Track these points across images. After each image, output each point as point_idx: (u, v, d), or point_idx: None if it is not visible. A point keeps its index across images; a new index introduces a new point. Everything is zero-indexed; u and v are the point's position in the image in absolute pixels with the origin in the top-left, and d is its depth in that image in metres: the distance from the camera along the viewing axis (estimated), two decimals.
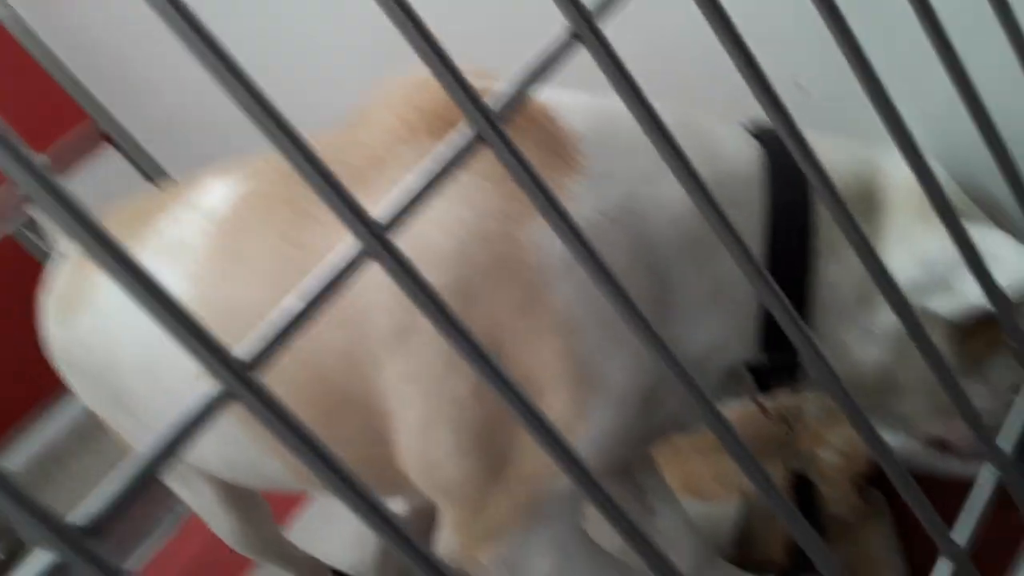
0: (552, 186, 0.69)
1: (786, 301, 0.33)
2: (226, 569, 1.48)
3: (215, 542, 1.22)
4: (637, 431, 0.74)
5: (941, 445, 0.85)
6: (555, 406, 0.68)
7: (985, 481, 0.44)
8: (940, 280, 0.72)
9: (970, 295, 0.70)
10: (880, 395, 0.79)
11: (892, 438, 0.90)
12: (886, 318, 0.73)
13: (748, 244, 0.33)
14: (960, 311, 0.71)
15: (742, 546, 1.11)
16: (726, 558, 1.07)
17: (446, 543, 0.75)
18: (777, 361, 0.78)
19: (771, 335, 0.76)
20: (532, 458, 0.69)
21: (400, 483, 0.77)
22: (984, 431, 0.42)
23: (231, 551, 1.22)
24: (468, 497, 0.73)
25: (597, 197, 0.70)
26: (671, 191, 0.68)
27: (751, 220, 0.73)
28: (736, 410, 1.22)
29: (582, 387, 0.69)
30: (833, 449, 1.10)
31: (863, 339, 0.75)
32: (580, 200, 0.69)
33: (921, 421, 0.84)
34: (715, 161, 0.72)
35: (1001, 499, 0.45)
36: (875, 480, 1.06)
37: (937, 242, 0.71)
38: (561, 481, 0.69)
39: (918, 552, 0.98)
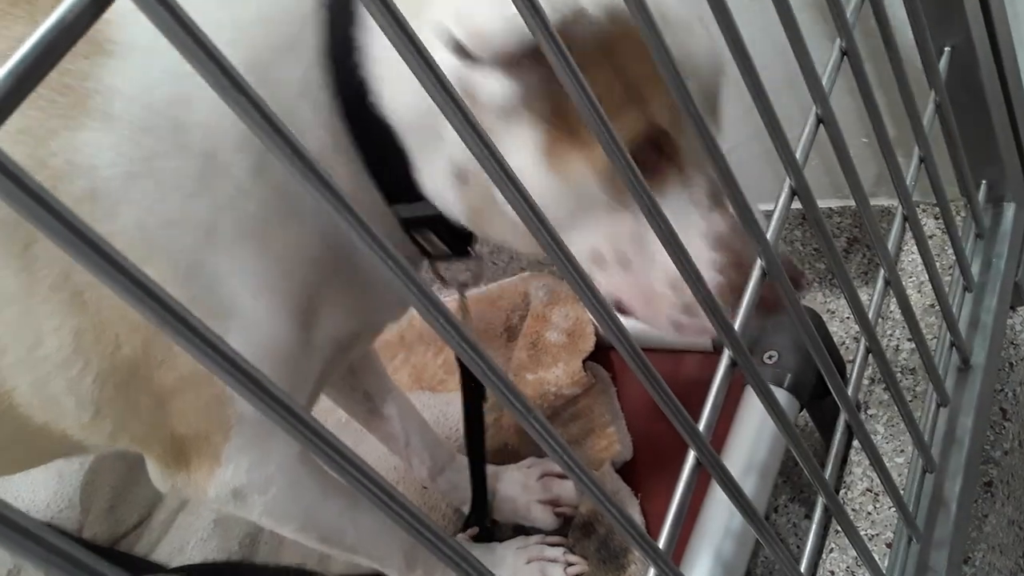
0: (75, 74, 0.55)
1: None
2: None
3: None
4: (301, 345, 0.65)
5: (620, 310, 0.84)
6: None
7: (724, 371, 0.44)
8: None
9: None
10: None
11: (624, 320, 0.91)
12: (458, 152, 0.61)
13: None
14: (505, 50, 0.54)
15: None
16: (460, 448, 1.07)
17: (161, 483, 0.67)
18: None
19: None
20: (194, 387, 0.61)
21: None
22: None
23: None
24: (144, 437, 0.64)
25: (143, 83, 0.56)
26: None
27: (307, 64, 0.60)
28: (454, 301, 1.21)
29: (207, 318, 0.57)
30: (558, 329, 1.12)
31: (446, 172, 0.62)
32: (119, 92, 0.56)
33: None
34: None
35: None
36: (598, 355, 1.10)
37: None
38: (241, 405, 0.61)
39: (639, 416, 1.03)
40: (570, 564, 0.89)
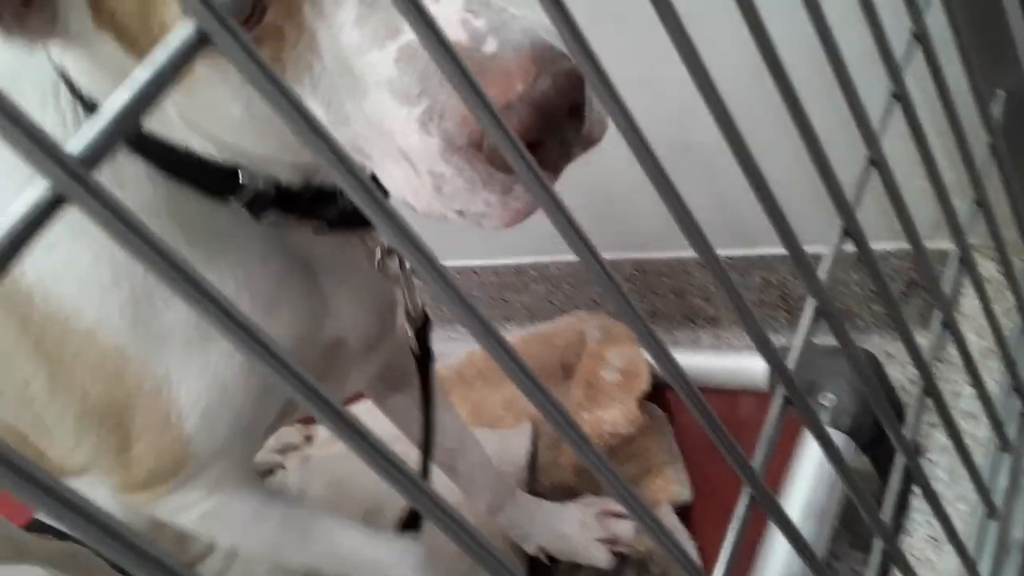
0: None
1: None
2: None
3: None
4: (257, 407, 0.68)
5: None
6: (147, 423, 0.62)
7: (778, 409, 0.44)
8: None
9: None
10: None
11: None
12: None
13: None
14: None
15: (533, 471, 1.12)
16: (518, 484, 1.08)
17: (111, 495, 0.72)
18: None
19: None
20: (158, 432, 0.65)
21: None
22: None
23: None
24: (109, 470, 0.68)
25: None
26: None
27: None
28: (517, 335, 1.22)
29: (159, 400, 0.62)
30: (613, 368, 1.13)
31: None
32: None
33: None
34: None
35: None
36: (654, 396, 1.10)
37: None
38: (196, 446, 0.65)
39: (698, 460, 1.03)
40: None
